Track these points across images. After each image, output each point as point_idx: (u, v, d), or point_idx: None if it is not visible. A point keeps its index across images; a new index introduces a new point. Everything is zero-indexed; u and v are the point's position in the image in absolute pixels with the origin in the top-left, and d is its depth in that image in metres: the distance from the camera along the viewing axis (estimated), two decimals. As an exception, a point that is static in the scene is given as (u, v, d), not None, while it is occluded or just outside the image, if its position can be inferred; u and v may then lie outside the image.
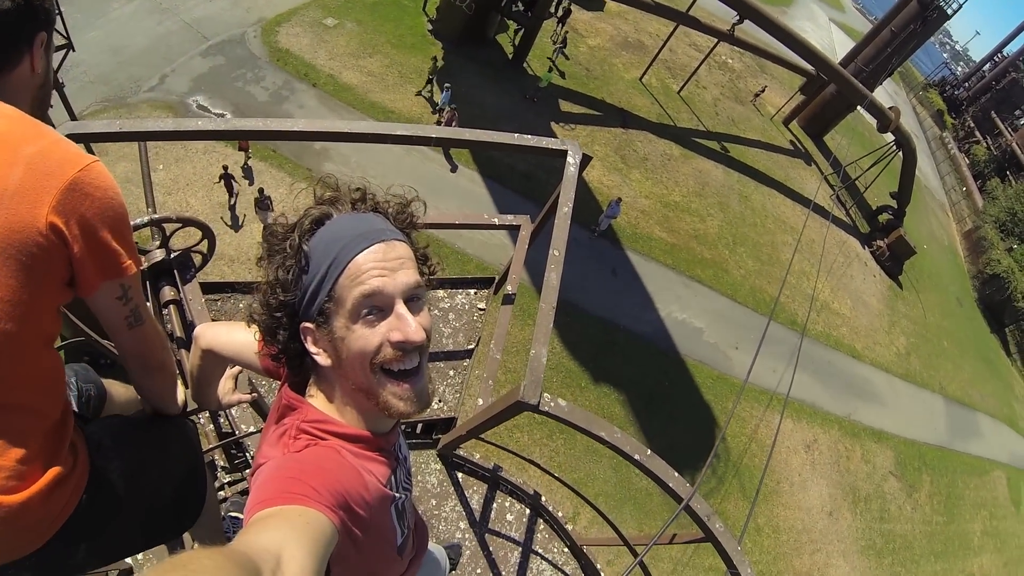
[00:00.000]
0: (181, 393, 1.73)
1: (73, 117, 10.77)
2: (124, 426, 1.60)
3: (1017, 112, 50.03)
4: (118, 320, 1.27)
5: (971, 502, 20.15)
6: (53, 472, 1.19)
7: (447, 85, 14.39)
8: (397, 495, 1.18)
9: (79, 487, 1.27)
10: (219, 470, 2.86)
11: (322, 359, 1.06)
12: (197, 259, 2.90)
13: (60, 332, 1.28)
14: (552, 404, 2.02)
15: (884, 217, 24.45)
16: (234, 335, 1.47)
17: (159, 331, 1.44)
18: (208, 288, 3.34)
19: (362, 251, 1.00)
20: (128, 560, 2.42)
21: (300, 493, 0.86)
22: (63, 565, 1.34)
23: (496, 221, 3.81)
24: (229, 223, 11.42)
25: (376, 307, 1.01)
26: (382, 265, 1.00)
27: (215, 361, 1.59)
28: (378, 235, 1.03)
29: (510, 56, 17.88)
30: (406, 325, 1.02)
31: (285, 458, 1.01)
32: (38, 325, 1.11)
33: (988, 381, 25.73)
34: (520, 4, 16.99)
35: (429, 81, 14.84)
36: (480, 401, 3.05)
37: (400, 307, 1.02)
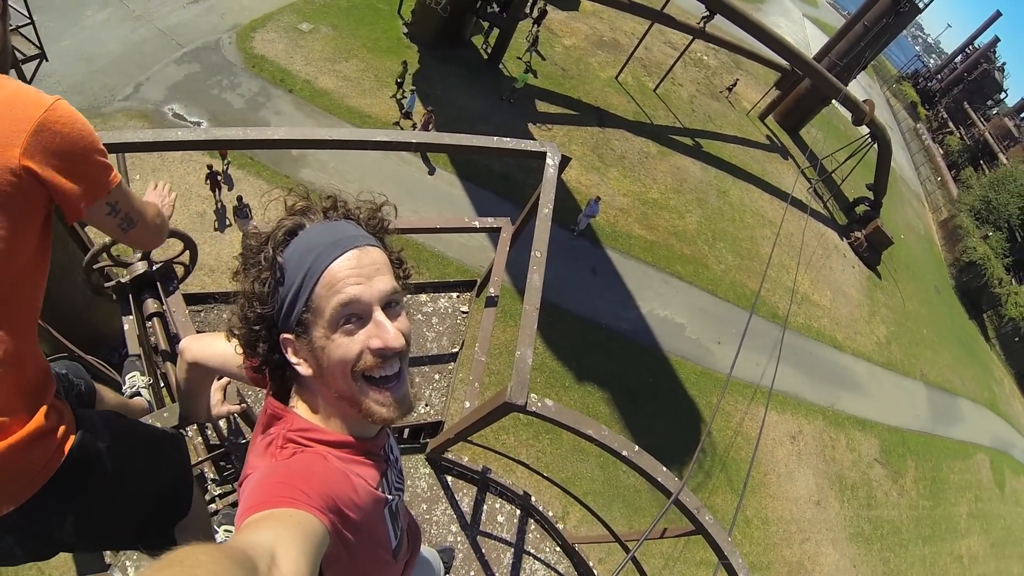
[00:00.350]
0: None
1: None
2: (117, 416, 1.62)
3: (989, 102, 51.04)
4: (113, 229, 1.38)
5: (956, 486, 20.45)
6: (34, 424, 1.22)
7: (412, 89, 14.41)
8: (389, 497, 1.17)
9: (62, 447, 1.29)
10: (209, 482, 2.84)
11: (303, 369, 1.05)
12: (179, 271, 2.90)
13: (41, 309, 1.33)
14: (539, 404, 2.04)
15: (861, 208, 24.80)
16: (219, 346, 1.47)
17: (152, 219, 1.51)
18: (191, 299, 3.33)
19: (336, 259, 1.00)
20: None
21: (290, 497, 0.87)
22: (48, 537, 1.35)
23: (477, 224, 3.84)
24: (216, 227, 11.33)
25: (354, 315, 1.01)
26: (357, 272, 1.01)
27: (202, 373, 1.60)
28: (351, 242, 1.03)
29: (486, 58, 17.88)
30: (385, 332, 1.02)
31: (273, 466, 1.01)
32: (18, 264, 1.17)
33: (968, 366, 26.15)
34: (495, 5, 17.00)
35: (399, 85, 14.79)
36: (467, 404, 3.06)
37: (378, 314, 1.02)
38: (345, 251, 1.01)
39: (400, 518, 1.28)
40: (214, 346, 1.50)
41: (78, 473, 1.31)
